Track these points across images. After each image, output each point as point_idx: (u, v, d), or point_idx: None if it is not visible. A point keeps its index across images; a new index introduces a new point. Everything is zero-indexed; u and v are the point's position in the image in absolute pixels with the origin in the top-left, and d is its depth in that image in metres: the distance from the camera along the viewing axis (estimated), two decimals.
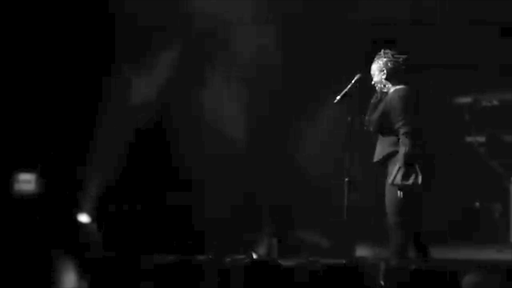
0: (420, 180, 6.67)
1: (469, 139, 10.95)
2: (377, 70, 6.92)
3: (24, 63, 9.99)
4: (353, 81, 7.03)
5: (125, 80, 10.14)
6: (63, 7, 9.97)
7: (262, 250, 9.55)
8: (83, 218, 9.95)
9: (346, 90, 6.98)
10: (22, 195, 10.02)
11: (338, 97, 7.01)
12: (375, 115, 6.88)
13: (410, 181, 6.69)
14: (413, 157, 6.68)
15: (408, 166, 6.69)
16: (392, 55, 6.88)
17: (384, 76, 6.89)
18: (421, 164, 6.70)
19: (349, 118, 7.07)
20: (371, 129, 6.95)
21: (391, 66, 6.86)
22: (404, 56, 6.92)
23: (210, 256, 8.29)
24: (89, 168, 10.02)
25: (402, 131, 6.72)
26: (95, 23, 10.03)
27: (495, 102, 10.88)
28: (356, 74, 7.15)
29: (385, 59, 6.89)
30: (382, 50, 6.96)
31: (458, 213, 10.55)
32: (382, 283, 6.44)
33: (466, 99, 10.97)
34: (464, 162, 10.70)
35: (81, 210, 9.97)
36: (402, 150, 6.71)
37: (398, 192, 6.74)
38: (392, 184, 6.75)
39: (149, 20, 10.07)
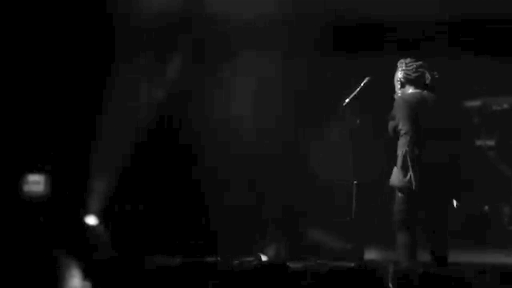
0: (413, 182, 6.73)
1: (478, 142, 10.93)
2: (396, 80, 7.06)
3: (31, 66, 10.02)
4: (362, 84, 7.08)
5: (133, 80, 10.15)
6: (63, 8, 9.98)
7: (271, 252, 9.55)
8: (91, 220, 9.97)
9: (355, 92, 7.02)
10: (31, 196, 10.04)
11: (347, 100, 7.05)
12: (389, 121, 6.99)
13: (402, 182, 6.76)
14: (408, 158, 6.75)
15: (404, 168, 6.76)
16: (406, 64, 6.96)
17: (399, 86, 6.99)
18: (418, 166, 6.74)
19: (358, 121, 7.13)
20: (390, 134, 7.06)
21: (404, 75, 6.96)
22: (418, 63, 6.98)
23: (219, 258, 8.30)
24: (97, 169, 10.04)
25: (401, 133, 6.82)
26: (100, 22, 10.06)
27: (505, 106, 10.87)
28: (366, 77, 7.19)
29: (400, 70, 6.99)
30: (400, 60, 7.05)
31: (467, 217, 10.52)
32: (390, 286, 6.44)
33: (475, 103, 10.97)
34: (473, 166, 10.67)
35: (89, 211, 9.98)
36: (399, 152, 6.80)
37: (398, 193, 6.83)
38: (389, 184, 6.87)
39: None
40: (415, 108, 6.89)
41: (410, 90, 6.99)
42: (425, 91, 6.98)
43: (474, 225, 10.52)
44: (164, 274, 7.30)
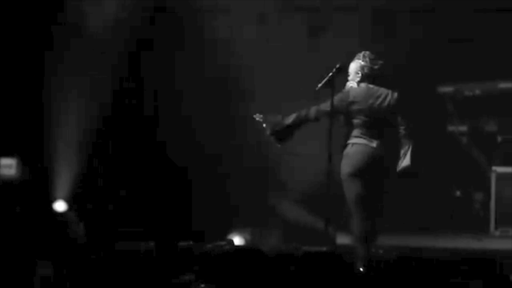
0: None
1: (451, 128, 11.00)
2: (354, 71, 7.09)
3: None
4: (334, 70, 7.10)
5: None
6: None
7: (245, 236, 9.59)
8: (60, 206, 9.95)
9: (327, 78, 7.04)
10: (3, 180, 10.01)
11: (319, 85, 7.07)
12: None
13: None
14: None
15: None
16: (371, 60, 7.01)
17: (358, 79, 7.03)
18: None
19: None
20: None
21: (367, 71, 7.03)
22: (381, 61, 7.06)
23: (191, 242, 8.32)
24: (66, 155, 10.04)
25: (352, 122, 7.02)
26: None
27: (477, 92, 10.93)
28: (337, 63, 7.21)
29: (363, 63, 7.03)
30: (363, 52, 7.08)
31: (439, 202, 10.60)
32: (361, 270, 6.49)
33: (448, 89, 11.03)
34: (446, 152, 10.75)
35: (59, 198, 9.98)
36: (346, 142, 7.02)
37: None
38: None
39: None
40: (360, 102, 7.00)
41: (363, 84, 7.07)
42: (375, 86, 7.08)
43: (446, 210, 10.58)
44: (138, 259, 7.31)
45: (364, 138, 6.98)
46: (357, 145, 6.99)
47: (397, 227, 9.76)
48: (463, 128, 10.95)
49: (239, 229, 9.71)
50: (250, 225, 9.83)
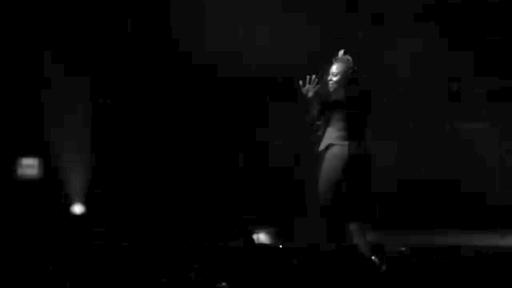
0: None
1: (464, 125, 11.01)
2: (336, 72, 7.11)
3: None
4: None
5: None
6: None
7: (268, 234, 9.62)
8: (77, 208, 10.03)
9: None
10: (25, 179, 10.11)
11: None
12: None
13: None
14: None
15: None
16: (354, 64, 7.08)
17: (343, 82, 7.07)
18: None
19: None
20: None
21: (350, 75, 7.06)
22: (357, 67, 7.13)
23: (206, 241, 8.38)
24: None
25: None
26: None
27: (484, 89, 10.92)
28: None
29: (345, 66, 7.06)
30: (346, 56, 7.12)
31: (460, 200, 10.59)
32: (383, 267, 6.50)
33: (456, 85, 11.01)
34: (460, 149, 10.76)
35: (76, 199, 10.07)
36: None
37: None
38: None
39: None
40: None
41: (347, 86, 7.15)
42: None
43: (467, 208, 10.57)
44: (156, 256, 7.37)
45: (346, 140, 6.99)
46: (338, 146, 6.97)
47: (417, 224, 9.79)
48: (472, 125, 10.95)
49: (262, 227, 9.73)
50: (274, 224, 9.86)
